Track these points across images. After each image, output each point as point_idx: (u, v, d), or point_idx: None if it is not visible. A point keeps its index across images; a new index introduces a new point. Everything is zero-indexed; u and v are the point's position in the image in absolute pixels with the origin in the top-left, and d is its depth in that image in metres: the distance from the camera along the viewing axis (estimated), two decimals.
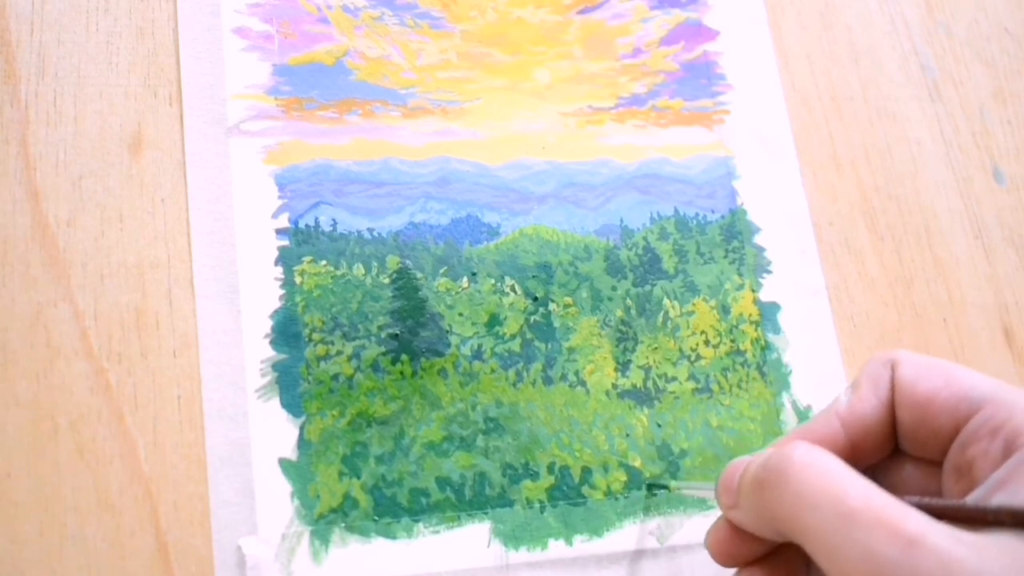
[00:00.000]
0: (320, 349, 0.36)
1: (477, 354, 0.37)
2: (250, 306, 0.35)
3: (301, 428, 0.34)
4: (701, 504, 0.37)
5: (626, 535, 0.36)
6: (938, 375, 0.29)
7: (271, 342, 0.35)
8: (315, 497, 0.34)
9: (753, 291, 0.41)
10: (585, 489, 0.37)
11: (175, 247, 0.36)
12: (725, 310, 0.41)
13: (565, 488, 0.36)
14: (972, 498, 0.25)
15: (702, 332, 0.40)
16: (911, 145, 0.46)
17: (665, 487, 0.36)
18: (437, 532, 0.35)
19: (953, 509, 0.24)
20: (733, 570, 0.31)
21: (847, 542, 0.23)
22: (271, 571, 0.33)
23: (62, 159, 0.35)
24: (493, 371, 0.37)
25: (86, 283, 0.34)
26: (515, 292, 0.39)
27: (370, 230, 0.38)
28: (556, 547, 0.35)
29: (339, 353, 0.36)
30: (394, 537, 0.34)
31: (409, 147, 0.39)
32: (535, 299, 0.39)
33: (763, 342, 0.41)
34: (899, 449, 0.30)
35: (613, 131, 0.42)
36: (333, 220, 0.37)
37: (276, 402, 0.35)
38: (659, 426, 0.38)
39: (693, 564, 0.36)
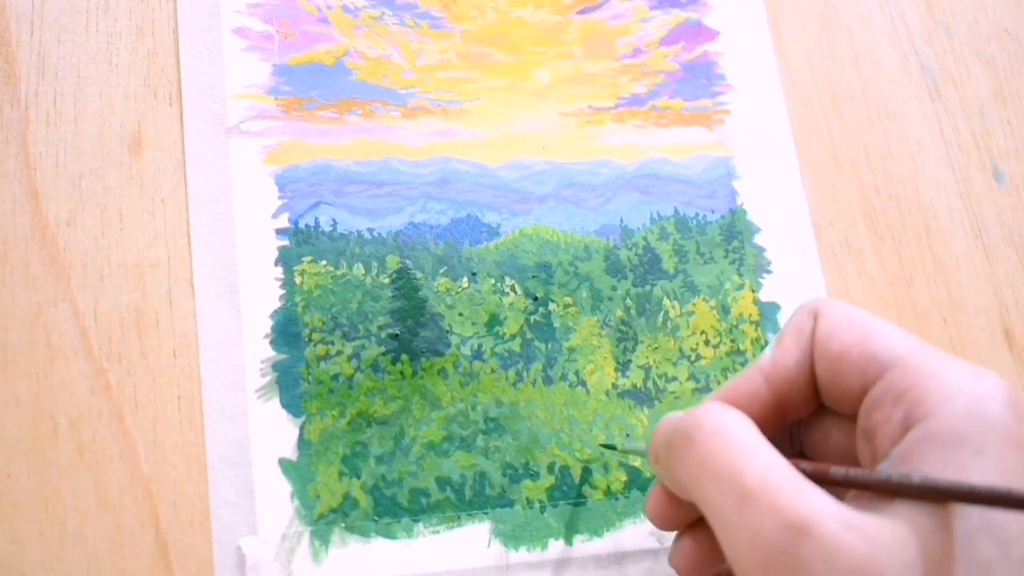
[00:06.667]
0: (320, 349, 0.36)
1: (477, 354, 0.37)
2: (250, 306, 0.35)
3: (301, 428, 0.34)
4: None
5: (626, 535, 0.36)
6: (855, 330, 0.26)
7: (271, 342, 0.35)
8: (315, 497, 0.34)
9: (753, 291, 0.41)
10: (585, 489, 0.37)
11: (175, 247, 0.36)
12: (725, 310, 0.41)
13: (565, 488, 0.36)
14: (878, 471, 0.24)
15: (702, 332, 0.40)
16: (911, 145, 0.46)
17: (614, 447, 0.36)
18: (437, 532, 0.35)
19: (859, 479, 0.24)
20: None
21: (739, 523, 0.22)
22: (271, 571, 0.33)
23: (62, 159, 0.35)
24: (493, 371, 0.37)
25: (86, 283, 0.34)
26: (515, 292, 0.39)
27: (370, 230, 0.38)
28: (556, 547, 0.35)
29: (339, 353, 0.36)
30: (394, 537, 0.34)
31: (409, 147, 0.39)
32: (535, 299, 0.39)
33: (763, 342, 0.41)
34: (824, 405, 0.28)
35: (613, 131, 0.42)
36: (333, 220, 0.37)
37: (276, 402, 0.35)
38: None
39: None
